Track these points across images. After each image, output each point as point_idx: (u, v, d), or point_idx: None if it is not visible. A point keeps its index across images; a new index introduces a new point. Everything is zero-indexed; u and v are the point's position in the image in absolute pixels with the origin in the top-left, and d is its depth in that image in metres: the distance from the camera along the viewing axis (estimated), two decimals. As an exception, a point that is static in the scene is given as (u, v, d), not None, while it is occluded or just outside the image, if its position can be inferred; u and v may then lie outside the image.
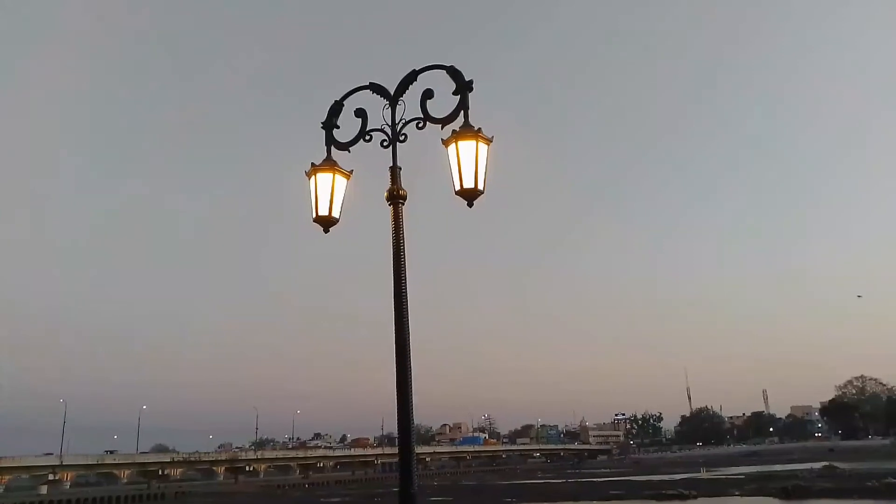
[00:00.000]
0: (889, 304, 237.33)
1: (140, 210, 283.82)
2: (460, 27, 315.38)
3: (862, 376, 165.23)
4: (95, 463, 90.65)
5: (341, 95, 5.68)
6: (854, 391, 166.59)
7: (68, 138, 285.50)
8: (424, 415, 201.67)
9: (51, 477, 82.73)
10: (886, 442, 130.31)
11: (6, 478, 79.94)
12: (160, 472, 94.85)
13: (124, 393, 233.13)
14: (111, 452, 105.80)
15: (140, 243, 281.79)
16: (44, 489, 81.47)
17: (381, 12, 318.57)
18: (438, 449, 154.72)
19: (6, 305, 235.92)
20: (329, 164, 5.44)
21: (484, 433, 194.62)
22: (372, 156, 5.40)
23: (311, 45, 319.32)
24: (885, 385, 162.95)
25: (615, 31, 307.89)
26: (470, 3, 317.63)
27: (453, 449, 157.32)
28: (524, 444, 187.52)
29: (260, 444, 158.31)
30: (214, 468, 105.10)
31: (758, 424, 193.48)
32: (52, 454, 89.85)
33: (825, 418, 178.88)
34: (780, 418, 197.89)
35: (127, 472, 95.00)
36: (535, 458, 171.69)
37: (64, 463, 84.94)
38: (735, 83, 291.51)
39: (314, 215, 5.37)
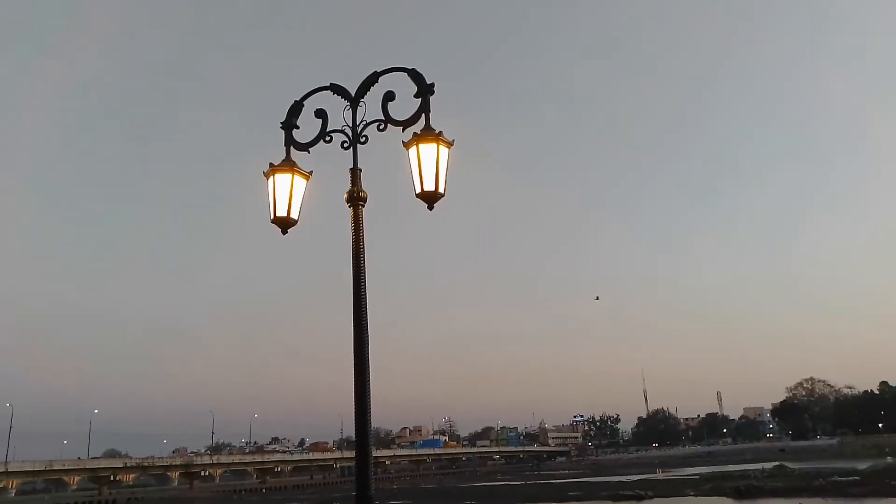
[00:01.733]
0: (841, 310, 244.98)
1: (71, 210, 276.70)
2: (459, 29, 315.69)
3: (811, 378, 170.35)
4: (43, 469, 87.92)
5: (301, 96, 5.63)
6: (804, 393, 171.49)
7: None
8: (385, 418, 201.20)
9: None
10: (833, 442, 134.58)
11: (-53, 486, 77.14)
12: (112, 478, 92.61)
13: (75, 397, 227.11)
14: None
15: (82, 246, 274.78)
16: (-13, 497, 78.79)
17: (344, 13, 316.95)
18: (398, 452, 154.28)
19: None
20: (288, 164, 5.38)
21: (444, 436, 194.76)
22: (333, 157, 5.36)
23: (271, 46, 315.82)
24: (833, 387, 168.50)
25: (612, 33, 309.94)
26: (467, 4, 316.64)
27: (413, 452, 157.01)
28: (484, 446, 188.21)
29: (216, 449, 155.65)
30: (169, 473, 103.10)
31: (712, 425, 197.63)
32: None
33: (776, 419, 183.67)
34: (734, 419, 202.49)
35: (77, 478, 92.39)
36: (494, 460, 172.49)
37: (9, 470, 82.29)
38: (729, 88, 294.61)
39: (272, 216, 5.29)
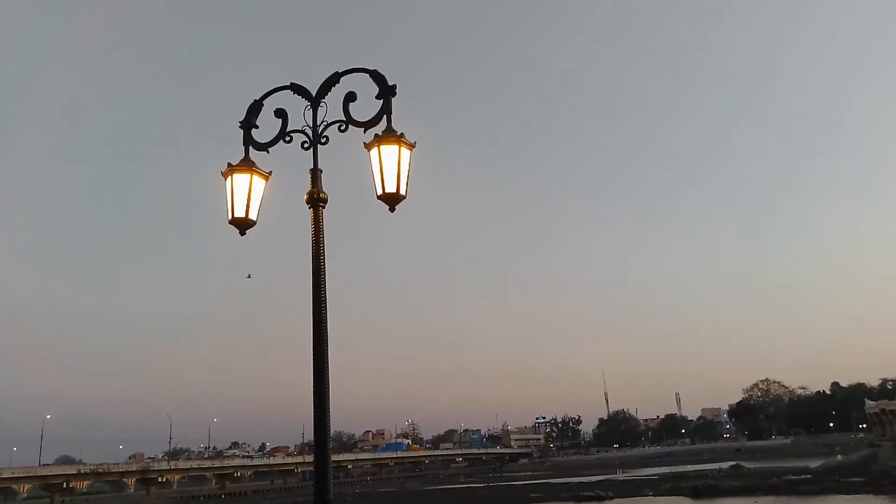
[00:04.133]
0: (798, 311, 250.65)
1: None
2: (426, 30, 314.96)
3: (767, 380, 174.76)
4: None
5: (261, 95, 5.55)
6: (759, 394, 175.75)
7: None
8: (348, 422, 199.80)
9: (-61, 493, 77.20)
10: (787, 441, 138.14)
11: None
12: (65, 485, 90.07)
13: (26, 402, 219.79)
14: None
15: (43, 240, 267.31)
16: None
17: (308, 12, 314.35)
18: (360, 456, 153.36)
19: None
20: (247, 164, 5.30)
21: (407, 439, 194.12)
22: (293, 158, 5.29)
23: (231, 45, 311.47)
24: (787, 388, 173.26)
25: (587, 29, 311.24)
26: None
27: (375, 455, 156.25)
28: (447, 449, 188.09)
29: (174, 454, 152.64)
30: (125, 480, 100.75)
31: (671, 426, 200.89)
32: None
33: (733, 420, 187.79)
34: (692, 420, 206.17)
35: (27, 486, 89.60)
36: (457, 462, 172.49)
37: (-45, 478, 79.42)
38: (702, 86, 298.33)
39: (230, 217, 5.20)
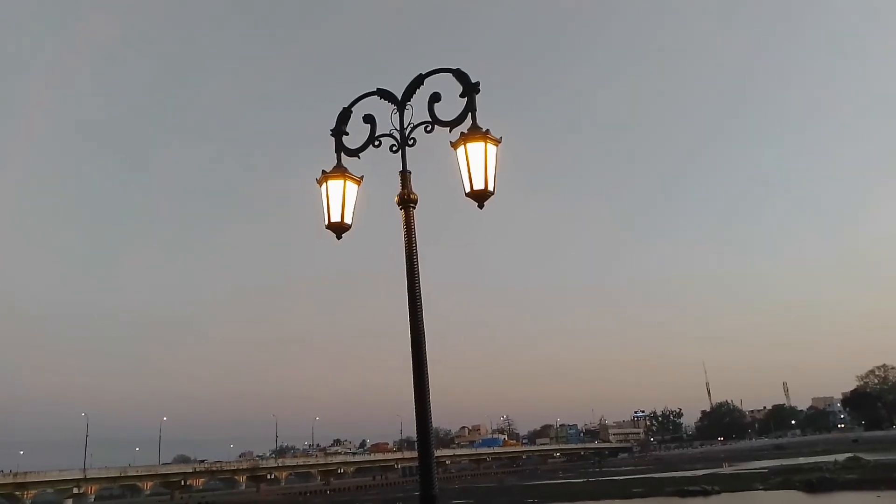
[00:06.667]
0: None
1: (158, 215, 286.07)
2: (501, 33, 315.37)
3: (884, 365, 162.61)
4: (119, 475, 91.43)
5: (349, 102, 5.70)
6: (876, 381, 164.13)
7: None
8: (443, 418, 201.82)
9: (75, 490, 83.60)
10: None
11: (32, 492, 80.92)
12: (183, 483, 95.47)
13: (145, 405, 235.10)
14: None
15: (152, 252, 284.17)
16: (69, 503, 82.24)
17: (393, 19, 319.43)
18: (458, 451, 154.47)
19: (29, 322, 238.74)
20: (339, 170, 5.45)
21: (503, 434, 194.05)
22: (382, 161, 5.42)
23: (317, 55, 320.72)
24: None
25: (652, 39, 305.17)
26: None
27: (473, 451, 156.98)
28: (544, 444, 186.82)
29: (280, 452, 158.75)
30: (236, 477, 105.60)
31: (779, 417, 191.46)
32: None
33: (848, 409, 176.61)
34: (802, 410, 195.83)
35: (150, 483, 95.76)
36: (555, 458, 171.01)
37: (88, 476, 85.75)
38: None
39: (327, 222, 5.37)
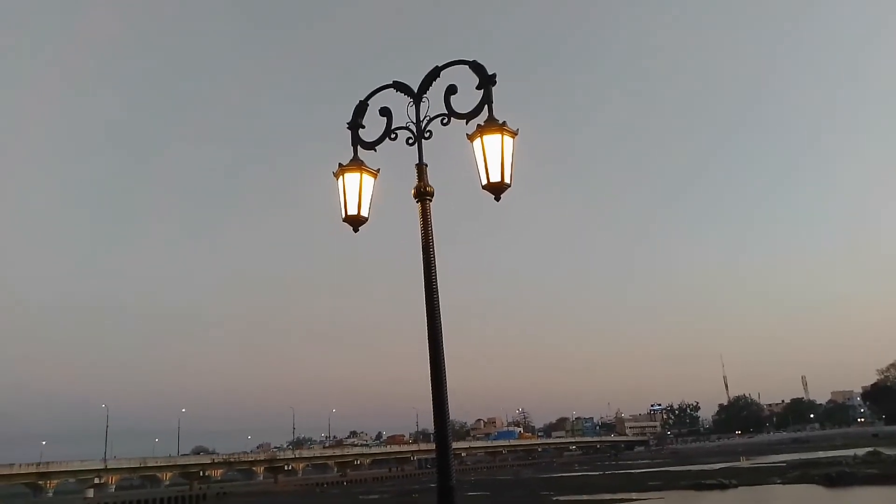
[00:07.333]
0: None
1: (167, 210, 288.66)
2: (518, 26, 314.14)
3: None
4: (139, 466, 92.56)
5: (365, 95, 5.71)
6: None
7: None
8: (459, 410, 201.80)
9: (96, 480, 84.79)
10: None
11: (54, 482, 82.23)
12: (201, 474, 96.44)
13: (164, 397, 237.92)
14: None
15: (171, 244, 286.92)
16: (90, 493, 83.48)
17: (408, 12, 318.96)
18: (474, 444, 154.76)
19: (46, 314, 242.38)
20: (356, 163, 5.46)
21: (519, 427, 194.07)
22: (398, 154, 5.43)
23: (332, 48, 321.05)
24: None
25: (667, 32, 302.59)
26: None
27: (489, 444, 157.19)
28: (559, 437, 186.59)
29: (297, 444, 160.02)
30: (254, 468, 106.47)
31: (797, 411, 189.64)
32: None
33: (868, 403, 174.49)
34: (821, 404, 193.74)
35: (169, 474, 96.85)
36: (571, 451, 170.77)
37: (109, 467, 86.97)
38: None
39: (343, 215, 5.39)
